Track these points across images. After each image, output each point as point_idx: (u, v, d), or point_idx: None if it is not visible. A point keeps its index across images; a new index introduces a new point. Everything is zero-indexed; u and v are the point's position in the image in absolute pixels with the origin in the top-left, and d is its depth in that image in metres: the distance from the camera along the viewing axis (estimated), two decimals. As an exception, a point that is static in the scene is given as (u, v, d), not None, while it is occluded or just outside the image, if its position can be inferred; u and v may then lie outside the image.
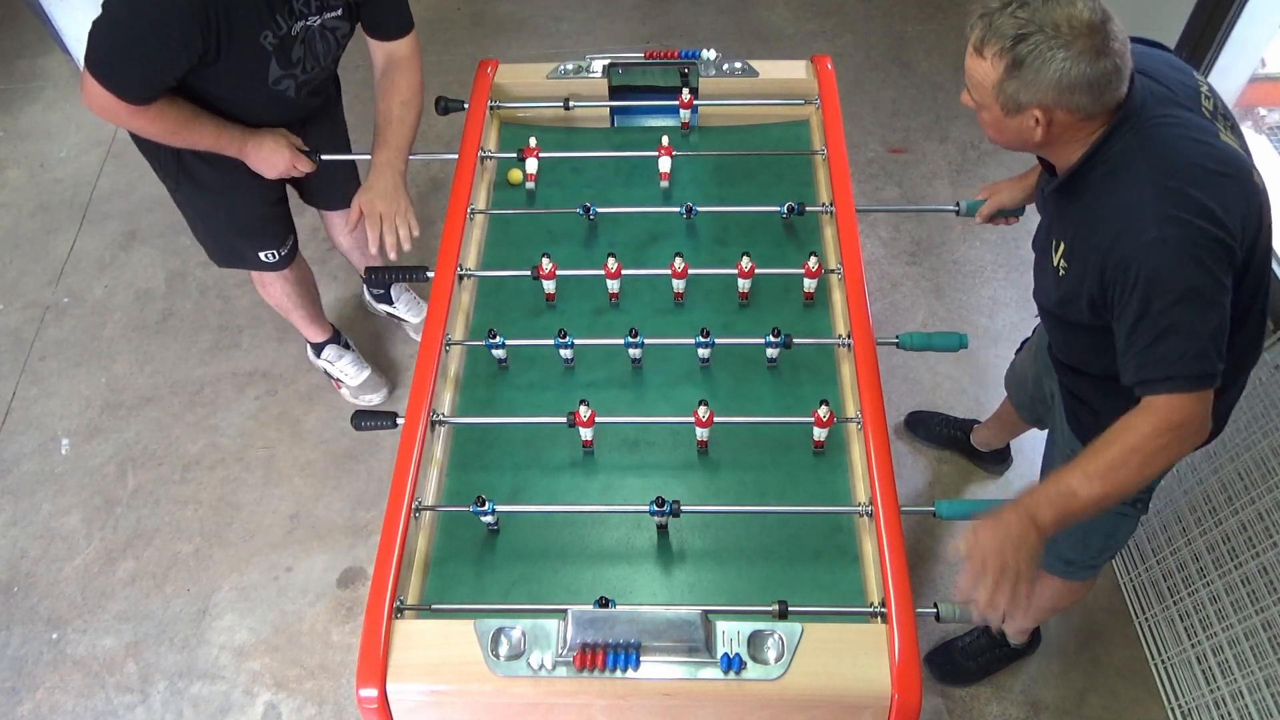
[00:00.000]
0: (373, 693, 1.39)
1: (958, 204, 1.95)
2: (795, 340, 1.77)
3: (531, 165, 2.08)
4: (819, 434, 1.68)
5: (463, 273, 1.91)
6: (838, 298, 1.89)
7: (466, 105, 2.16)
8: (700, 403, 1.64)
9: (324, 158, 2.13)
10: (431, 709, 1.45)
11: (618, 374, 1.84)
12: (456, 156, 2.04)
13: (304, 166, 2.10)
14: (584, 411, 1.65)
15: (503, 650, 1.39)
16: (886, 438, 1.60)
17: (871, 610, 1.46)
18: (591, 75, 2.19)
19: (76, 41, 3.35)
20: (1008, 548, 1.30)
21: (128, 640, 2.39)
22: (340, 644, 2.37)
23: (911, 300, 2.97)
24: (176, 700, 2.30)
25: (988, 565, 1.30)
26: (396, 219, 1.96)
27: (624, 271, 1.87)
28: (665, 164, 2.07)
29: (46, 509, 2.63)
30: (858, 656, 1.38)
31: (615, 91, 2.22)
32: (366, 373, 2.78)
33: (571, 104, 2.18)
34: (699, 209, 2.00)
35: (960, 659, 2.25)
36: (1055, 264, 1.50)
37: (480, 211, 2.06)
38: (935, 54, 3.69)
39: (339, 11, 1.92)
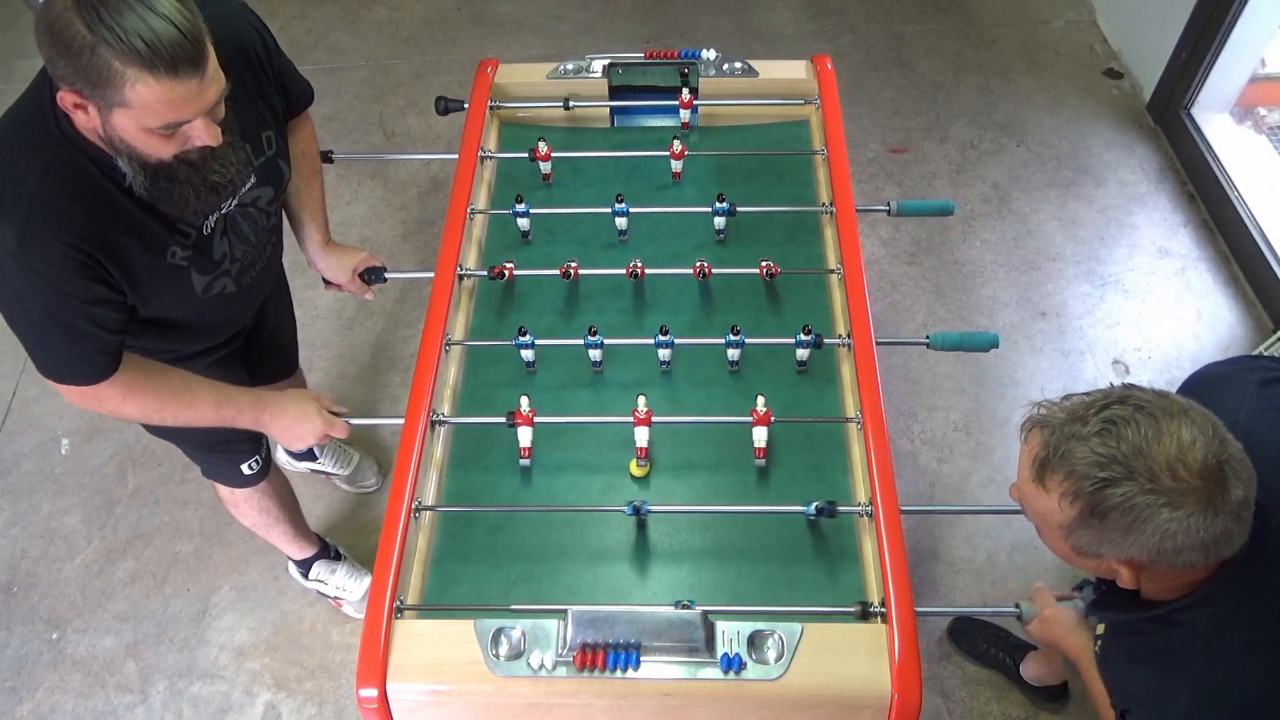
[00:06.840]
0: (373, 693, 1.39)
1: (888, 204, 1.99)
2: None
3: (545, 167, 2.09)
4: (759, 438, 1.67)
5: (462, 273, 1.92)
6: (838, 298, 1.89)
7: (466, 105, 2.16)
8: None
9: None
10: (431, 709, 1.45)
11: (615, 373, 1.85)
12: (456, 157, 2.04)
13: (339, 432, 1.71)
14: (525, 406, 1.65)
15: (503, 650, 1.40)
16: (886, 438, 1.60)
17: (872, 610, 1.46)
18: (591, 75, 2.19)
19: (76, 41, 3.35)
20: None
21: (128, 640, 2.39)
22: (340, 644, 2.37)
23: (911, 300, 2.97)
24: (176, 700, 2.30)
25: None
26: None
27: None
28: (677, 164, 2.08)
29: (46, 509, 2.63)
30: (858, 656, 1.39)
31: (615, 91, 2.22)
32: (366, 581, 2.35)
33: (571, 104, 2.18)
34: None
35: (979, 635, 2.27)
36: (1097, 636, 1.36)
37: (480, 211, 2.06)
38: (935, 54, 3.69)
39: (253, 180, 1.58)
